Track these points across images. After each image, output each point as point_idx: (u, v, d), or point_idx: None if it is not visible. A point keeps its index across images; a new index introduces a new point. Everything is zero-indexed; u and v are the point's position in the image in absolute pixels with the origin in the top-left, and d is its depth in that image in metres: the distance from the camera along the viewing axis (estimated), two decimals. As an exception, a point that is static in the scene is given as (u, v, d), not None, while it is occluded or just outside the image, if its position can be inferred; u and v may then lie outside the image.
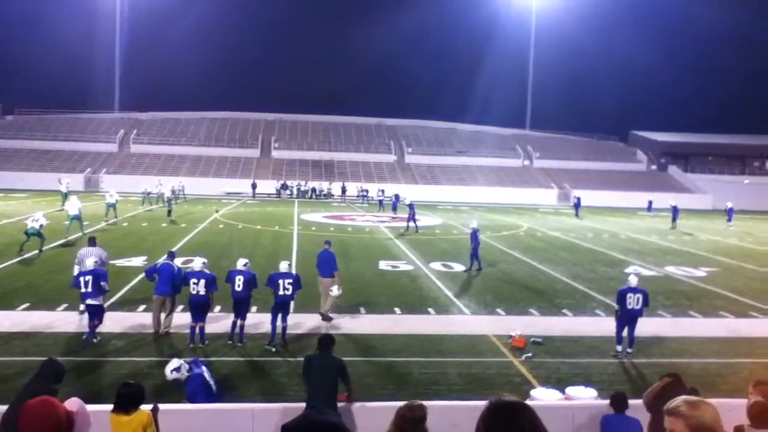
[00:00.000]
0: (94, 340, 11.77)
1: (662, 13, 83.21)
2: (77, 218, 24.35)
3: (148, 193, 39.39)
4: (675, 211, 37.29)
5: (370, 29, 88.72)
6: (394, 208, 38.78)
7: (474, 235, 20.27)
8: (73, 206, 24.70)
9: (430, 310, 15.25)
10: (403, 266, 20.81)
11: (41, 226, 20.60)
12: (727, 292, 18.50)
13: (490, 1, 76.25)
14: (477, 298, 16.55)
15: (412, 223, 30.44)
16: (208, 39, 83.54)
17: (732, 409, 4.94)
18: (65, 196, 33.80)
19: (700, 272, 21.75)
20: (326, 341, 7.66)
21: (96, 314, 11.93)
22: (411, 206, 30.99)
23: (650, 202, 47.02)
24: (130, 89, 72.75)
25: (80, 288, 11.85)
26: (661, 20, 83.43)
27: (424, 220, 33.98)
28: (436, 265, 21.13)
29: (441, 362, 11.43)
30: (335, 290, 13.65)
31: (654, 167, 68.75)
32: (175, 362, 8.08)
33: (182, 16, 78.00)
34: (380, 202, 44.32)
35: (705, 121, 74.18)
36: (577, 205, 43.74)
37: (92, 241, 14.49)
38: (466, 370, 11.08)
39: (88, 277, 11.83)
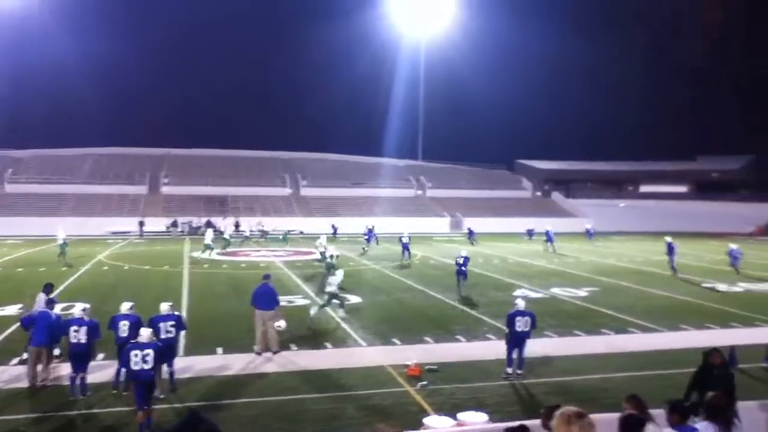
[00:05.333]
0: None
1: (539, 51, 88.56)
2: None
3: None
4: (549, 235, 39.52)
5: (265, 64, 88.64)
6: (368, 241, 39.91)
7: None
8: None
9: (327, 344, 15.16)
10: (299, 301, 20.59)
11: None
12: (607, 309, 19.63)
13: (380, 38, 78.62)
14: (373, 329, 16.61)
15: (406, 254, 33.09)
16: (93, 72, 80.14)
17: (611, 423, 5.21)
18: None
19: (583, 292, 22.95)
20: None
21: None
22: (405, 243, 33.43)
23: (530, 230, 48.94)
24: (6, 126, 68.51)
25: None
26: (538, 58, 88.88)
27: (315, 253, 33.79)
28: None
29: (338, 397, 11.35)
30: (282, 324, 14.07)
31: (538, 194, 72.26)
32: None
33: (65, 47, 74.75)
34: (368, 238, 40.59)
35: (583, 150, 79.35)
36: (470, 235, 44.86)
37: None
38: (364, 402, 11.06)
39: None
